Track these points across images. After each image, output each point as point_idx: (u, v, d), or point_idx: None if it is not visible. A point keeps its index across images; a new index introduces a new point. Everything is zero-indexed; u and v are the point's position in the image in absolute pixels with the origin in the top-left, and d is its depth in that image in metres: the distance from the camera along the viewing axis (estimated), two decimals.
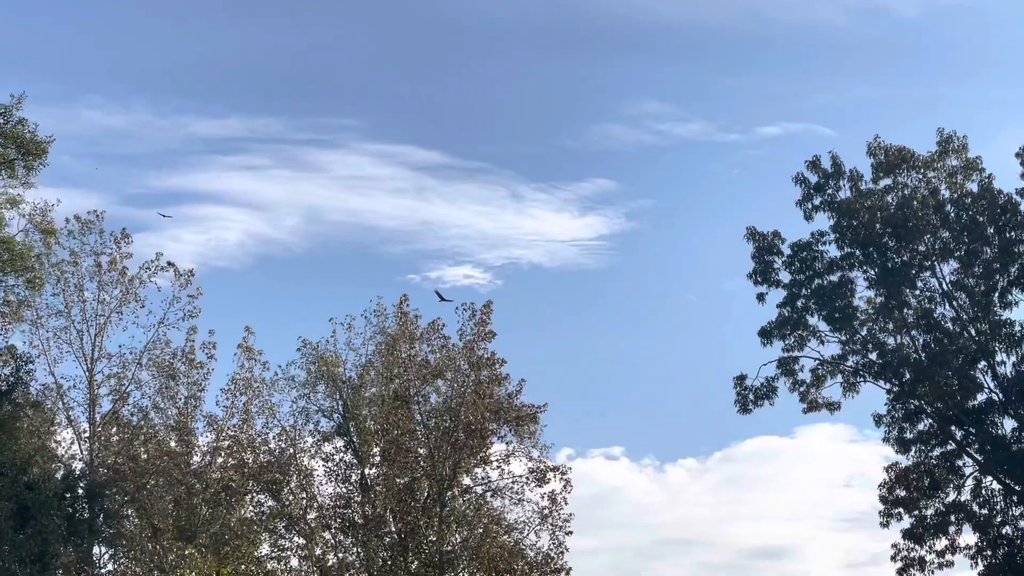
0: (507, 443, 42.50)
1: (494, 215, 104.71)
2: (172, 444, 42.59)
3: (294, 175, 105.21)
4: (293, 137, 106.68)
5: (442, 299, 44.56)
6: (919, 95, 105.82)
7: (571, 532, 41.96)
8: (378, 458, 42.57)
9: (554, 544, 41.70)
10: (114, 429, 42.77)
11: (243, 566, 40.90)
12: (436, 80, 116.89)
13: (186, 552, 38.95)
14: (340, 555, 41.97)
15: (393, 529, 41.64)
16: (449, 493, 41.80)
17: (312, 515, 42.52)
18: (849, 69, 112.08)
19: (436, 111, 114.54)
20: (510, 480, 42.26)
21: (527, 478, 42.21)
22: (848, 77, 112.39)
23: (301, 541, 42.22)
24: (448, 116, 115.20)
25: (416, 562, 41.37)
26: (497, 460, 42.45)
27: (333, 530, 42.09)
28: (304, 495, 42.69)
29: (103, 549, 43.17)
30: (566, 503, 41.90)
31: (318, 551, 41.79)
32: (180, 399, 42.94)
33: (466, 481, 42.54)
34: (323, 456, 43.19)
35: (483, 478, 42.56)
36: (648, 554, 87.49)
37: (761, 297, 48.46)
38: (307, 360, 44.27)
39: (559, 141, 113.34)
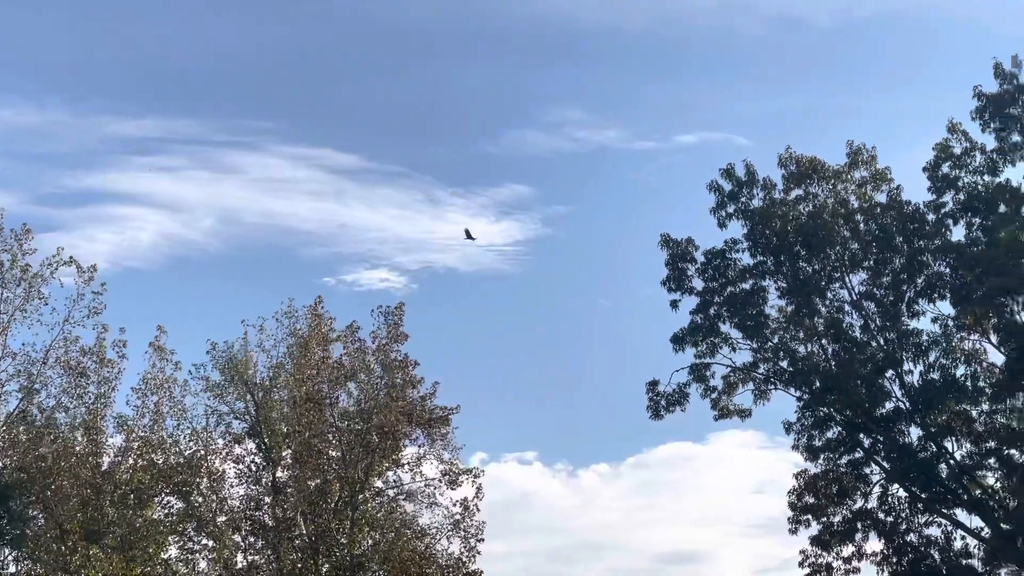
0: (419, 446, 43.28)
1: (411, 219, 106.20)
2: (80, 444, 42.64)
3: (211, 176, 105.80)
4: (210, 139, 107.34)
5: (469, 237, 45.73)
6: (834, 105, 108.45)
7: (483, 539, 42.75)
8: (289, 460, 43.02)
9: (466, 548, 42.42)
10: (21, 428, 42.75)
11: (150, 568, 41.15)
12: (355, 83, 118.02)
13: (91, 553, 39.19)
14: (250, 557, 42.35)
15: (304, 532, 42.16)
16: (361, 496, 42.44)
17: (222, 518, 42.82)
18: (766, 79, 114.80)
19: (354, 114, 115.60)
20: (422, 483, 42.96)
21: (439, 481, 42.92)
22: (765, 87, 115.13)
23: (210, 543, 42.53)
24: (366, 120, 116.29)
25: (327, 565, 42.02)
26: (409, 463, 43.17)
27: (243, 532, 42.45)
28: (214, 497, 43.00)
29: (7, 551, 43.15)
30: (478, 510, 42.71)
31: (227, 553, 42.07)
32: (90, 398, 43.05)
33: (378, 484, 43.24)
34: (234, 458, 43.54)
35: (395, 481, 43.26)
36: (560, 559, 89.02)
37: (674, 304, 49.74)
38: (218, 362, 44.67)
39: (477, 146, 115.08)
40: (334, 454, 42.73)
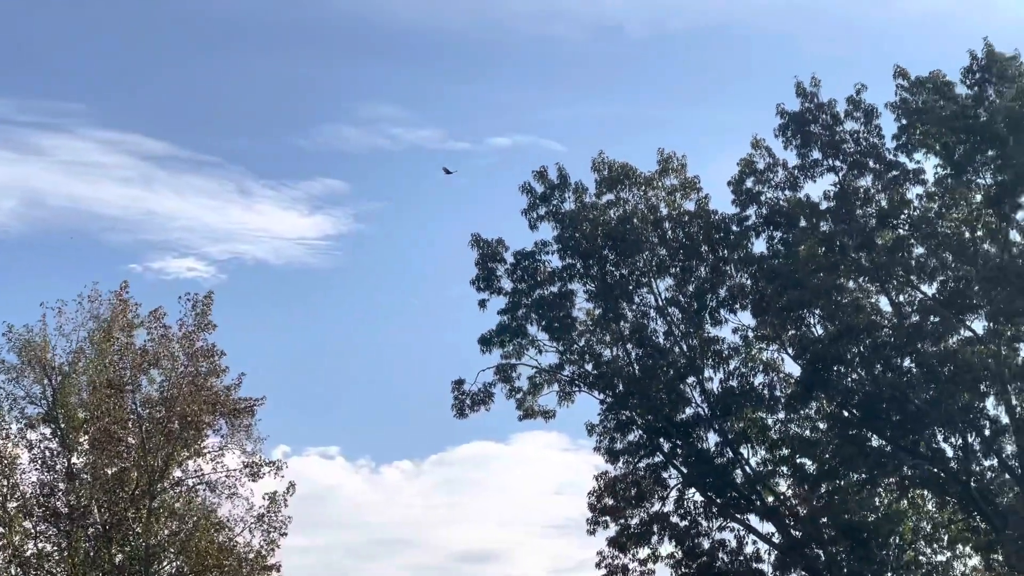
0: (222, 436, 43.62)
1: (221, 209, 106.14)
2: None
3: (16, 157, 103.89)
4: (17, 119, 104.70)
5: (448, 172, 45.98)
6: (647, 114, 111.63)
7: (286, 533, 43.26)
8: (87, 446, 42.82)
9: (266, 542, 42.81)
10: None
11: None
12: (168, 70, 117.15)
13: None
14: (41, 545, 41.99)
15: (98, 520, 41.97)
16: (160, 485, 42.54)
17: (13, 504, 42.32)
18: (581, 85, 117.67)
19: (167, 101, 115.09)
20: (224, 474, 43.24)
21: (241, 472, 43.26)
22: (580, 93, 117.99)
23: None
24: (179, 107, 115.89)
25: (120, 555, 41.90)
26: (211, 453, 43.41)
27: (35, 519, 42.06)
28: (5, 483, 42.51)
29: None
30: (286, 504, 43.18)
31: (17, 540, 41.64)
32: None
33: (178, 473, 43.40)
34: (27, 444, 43.11)
35: (196, 471, 43.43)
36: (359, 554, 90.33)
37: (483, 304, 51.08)
38: (14, 345, 44.18)
39: (291, 139, 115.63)
40: (133, 441, 42.77)
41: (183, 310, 44.16)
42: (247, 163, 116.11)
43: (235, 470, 43.55)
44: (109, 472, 42.56)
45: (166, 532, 42.84)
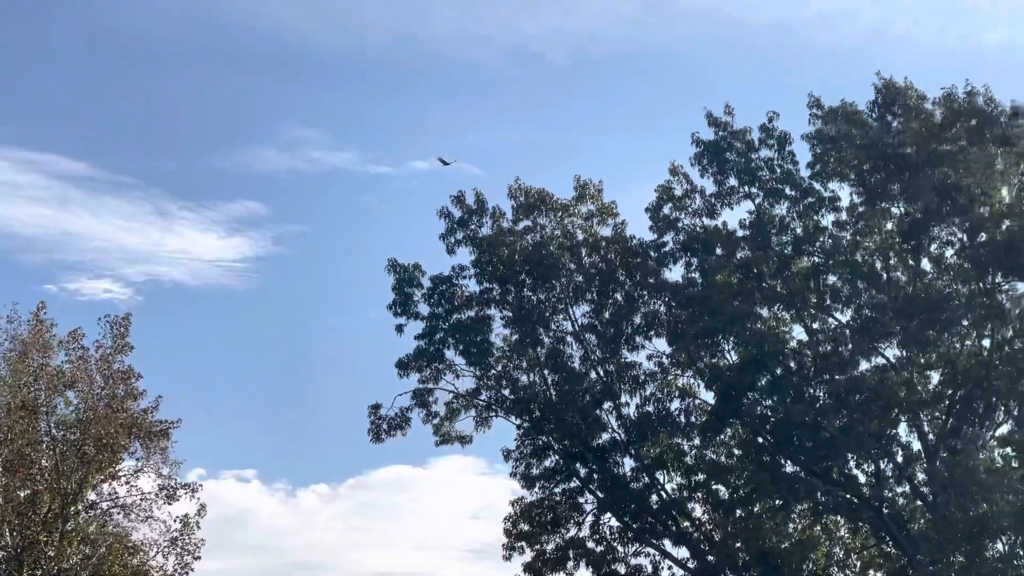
0: (137, 459, 43.59)
1: (139, 230, 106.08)
2: None
3: None
4: None
5: (444, 163, 46.05)
6: (567, 140, 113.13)
7: (200, 557, 43.26)
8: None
9: (180, 565, 42.83)
10: None
11: None
12: (86, 90, 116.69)
13: None
14: None
15: (10, 543, 41.74)
16: (73, 508, 42.40)
17: None
18: (502, 110, 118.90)
19: (85, 121, 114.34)
20: (139, 497, 43.17)
21: (156, 495, 43.23)
22: (501, 118, 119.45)
23: None
24: (97, 127, 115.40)
25: None
26: (126, 476, 43.37)
27: None
28: None
29: None
30: (199, 527, 43.22)
31: None
32: None
33: (92, 497, 43.30)
34: None
35: (110, 494, 43.32)
36: None
37: (400, 328, 51.47)
38: None
39: (210, 161, 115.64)
40: (47, 464, 42.58)
41: (101, 332, 44.20)
42: (166, 185, 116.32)
43: (150, 493, 43.59)
44: (21, 495, 42.39)
45: (79, 556, 42.71)
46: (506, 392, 51.38)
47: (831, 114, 49.32)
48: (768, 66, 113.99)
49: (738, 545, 48.00)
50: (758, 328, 48.13)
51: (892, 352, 47.75)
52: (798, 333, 49.39)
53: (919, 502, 47.37)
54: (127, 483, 43.69)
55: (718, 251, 49.60)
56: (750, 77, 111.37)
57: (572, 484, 51.02)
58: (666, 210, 50.67)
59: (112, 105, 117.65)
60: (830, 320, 49.10)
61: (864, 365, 47.15)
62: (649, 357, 50.80)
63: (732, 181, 49.80)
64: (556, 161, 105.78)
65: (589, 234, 52.08)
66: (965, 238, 46.99)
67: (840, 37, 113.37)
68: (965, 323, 46.56)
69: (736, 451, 50.31)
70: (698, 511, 51.28)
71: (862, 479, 47.42)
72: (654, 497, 50.40)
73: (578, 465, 50.91)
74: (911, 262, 48.29)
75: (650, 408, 50.33)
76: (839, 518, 50.06)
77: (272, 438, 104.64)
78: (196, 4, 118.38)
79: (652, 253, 50.85)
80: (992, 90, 48.44)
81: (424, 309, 51.48)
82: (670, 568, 49.77)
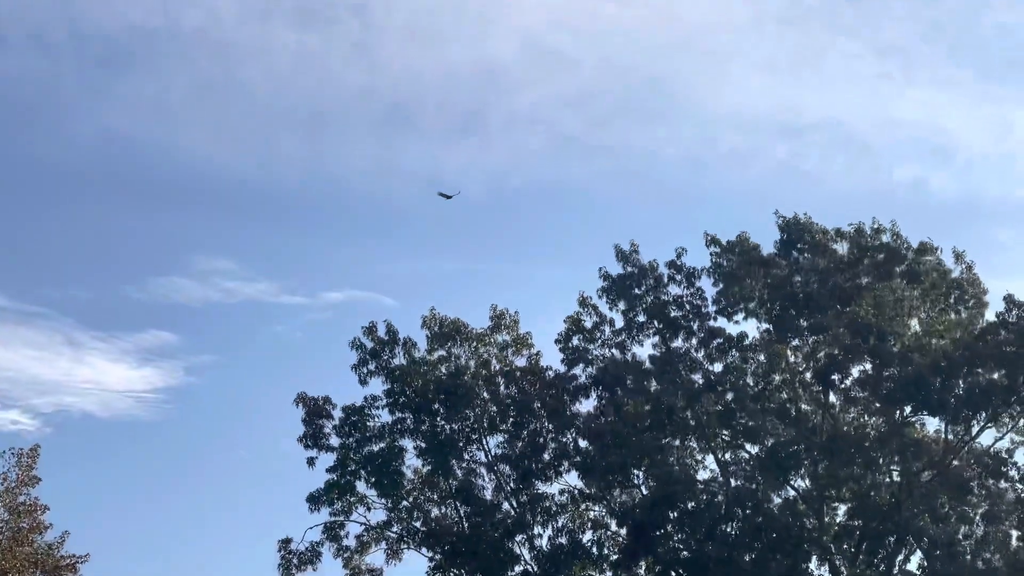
0: None
1: (48, 360, 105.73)
2: None
3: None
4: None
5: (446, 197, 46.30)
6: (483, 270, 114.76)
7: None
8: None
9: None
10: None
11: None
12: None
13: None
14: None
15: None
16: None
17: None
18: (418, 241, 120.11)
19: None
20: None
21: None
22: (416, 249, 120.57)
23: None
24: (8, 257, 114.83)
25: None
26: None
27: None
28: None
29: None
30: None
31: None
32: None
33: None
34: None
35: None
36: None
37: (311, 462, 51.81)
38: None
39: (122, 291, 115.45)
40: None
41: (7, 464, 44.05)
42: (77, 314, 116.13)
43: None
44: None
45: None
46: (418, 524, 51.93)
47: (729, 249, 51.15)
48: (680, 201, 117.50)
49: None
50: (669, 462, 49.13)
51: (803, 484, 48.93)
52: (710, 464, 50.64)
53: None
54: None
55: (629, 384, 50.63)
56: (662, 212, 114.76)
57: None
58: (576, 341, 52.21)
59: (23, 235, 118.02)
60: (741, 453, 50.30)
61: (776, 499, 48.20)
62: (562, 491, 51.68)
63: (641, 316, 51.42)
64: (471, 292, 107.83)
65: (504, 364, 53.06)
66: (873, 371, 48.53)
67: (751, 174, 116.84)
68: (876, 457, 47.88)
69: None
70: None
71: None
72: None
73: None
74: (820, 397, 49.68)
75: (563, 540, 51.04)
76: None
77: (182, 571, 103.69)
78: (110, 133, 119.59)
79: (565, 386, 51.83)
80: (899, 226, 50.67)
81: (335, 441, 52.04)
82: None
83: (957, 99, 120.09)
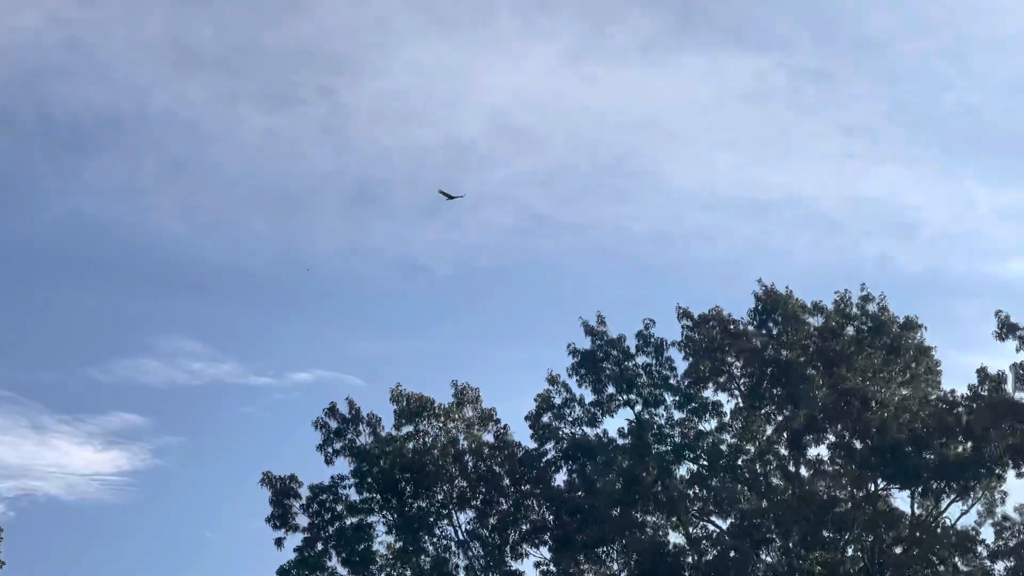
0: None
1: (13, 444, 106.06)
2: None
3: None
4: None
5: (450, 197, 46.27)
6: (451, 349, 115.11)
7: None
8: None
9: None
10: None
11: None
12: None
13: None
14: None
15: None
16: None
17: None
18: (386, 321, 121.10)
19: None
20: None
21: None
22: (384, 329, 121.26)
23: None
24: None
25: None
26: None
27: None
28: None
29: None
30: None
31: None
32: None
33: None
34: None
35: None
36: None
37: (279, 542, 52.08)
38: None
39: (88, 373, 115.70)
40: None
41: None
42: (42, 397, 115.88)
43: None
44: None
45: None
46: None
47: (701, 322, 51.68)
48: (648, 277, 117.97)
49: None
50: (642, 538, 49.38)
51: (773, 557, 49.20)
52: (679, 538, 50.81)
53: None
54: None
55: (600, 459, 50.92)
56: (631, 287, 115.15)
57: None
58: (546, 419, 52.70)
59: None
60: (709, 526, 50.61)
61: (748, 570, 48.41)
62: (536, 565, 51.74)
63: (611, 388, 51.88)
64: (439, 370, 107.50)
65: (472, 440, 53.36)
66: (849, 440, 49.07)
67: (718, 250, 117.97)
68: (846, 527, 48.25)
69: None
70: None
71: None
72: None
73: None
74: (791, 468, 50.06)
75: None
76: None
77: None
78: (78, 214, 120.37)
79: (536, 462, 52.09)
80: (887, 300, 51.44)
81: (303, 520, 52.23)
82: None
83: (921, 176, 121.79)
